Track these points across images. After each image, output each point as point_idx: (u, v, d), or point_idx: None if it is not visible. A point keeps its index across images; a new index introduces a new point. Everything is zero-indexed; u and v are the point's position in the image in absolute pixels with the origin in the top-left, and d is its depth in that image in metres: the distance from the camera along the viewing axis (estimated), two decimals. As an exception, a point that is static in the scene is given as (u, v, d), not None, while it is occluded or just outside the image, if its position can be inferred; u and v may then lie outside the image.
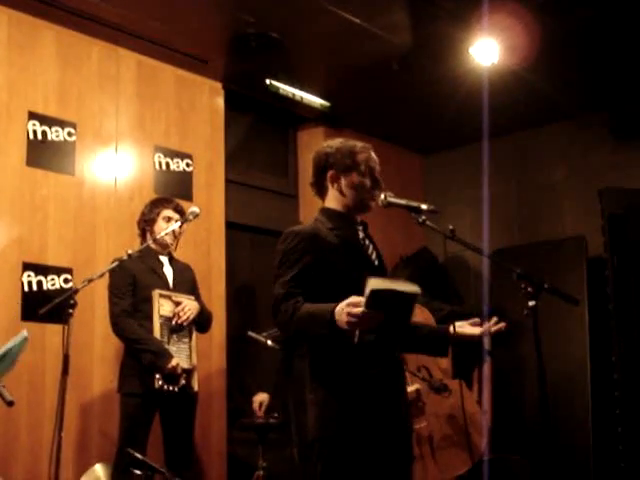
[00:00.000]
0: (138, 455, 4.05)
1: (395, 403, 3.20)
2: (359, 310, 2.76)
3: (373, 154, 3.40)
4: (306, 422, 3.14)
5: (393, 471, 3.16)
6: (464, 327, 3.44)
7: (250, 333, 5.58)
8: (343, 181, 3.32)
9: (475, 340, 3.41)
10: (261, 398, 5.79)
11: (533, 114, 7.42)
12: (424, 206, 3.35)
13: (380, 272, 3.30)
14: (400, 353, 3.50)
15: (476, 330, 3.40)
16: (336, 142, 3.42)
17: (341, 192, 3.33)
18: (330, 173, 3.34)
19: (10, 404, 2.80)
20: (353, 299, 2.81)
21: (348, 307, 2.79)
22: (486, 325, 3.39)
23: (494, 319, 3.39)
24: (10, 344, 3.30)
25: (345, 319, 2.80)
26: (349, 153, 3.34)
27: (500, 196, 7.78)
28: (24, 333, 3.37)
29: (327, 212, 3.37)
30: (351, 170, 3.31)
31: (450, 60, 6.23)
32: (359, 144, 3.40)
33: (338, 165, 3.33)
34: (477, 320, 3.43)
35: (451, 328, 3.40)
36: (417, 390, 5.78)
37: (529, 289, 3.29)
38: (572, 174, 7.59)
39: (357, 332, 2.86)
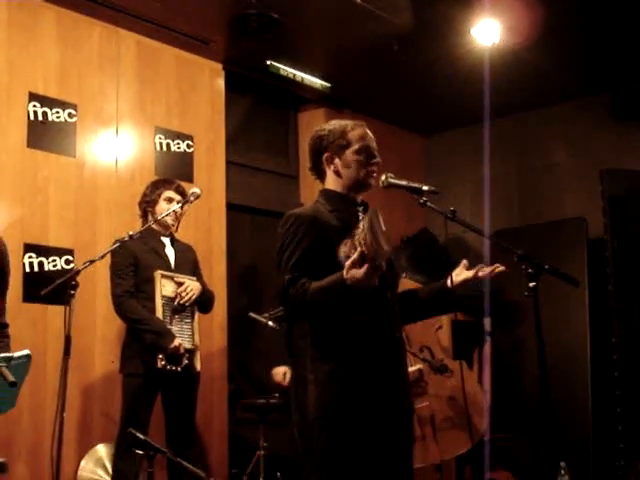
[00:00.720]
0: (140, 435, 4.06)
1: (396, 383, 3.20)
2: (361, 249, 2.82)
3: (367, 130, 3.39)
4: (306, 401, 3.15)
5: (394, 451, 3.17)
6: (460, 274, 3.44)
7: (251, 314, 5.60)
8: (338, 162, 3.32)
9: (474, 281, 3.40)
10: (283, 369, 5.74)
11: (534, 95, 7.41)
12: (425, 187, 3.35)
13: None
14: (411, 322, 3.53)
15: (470, 273, 3.40)
16: (329, 124, 3.41)
17: (338, 173, 3.33)
18: (325, 155, 3.34)
19: (12, 385, 2.81)
20: (351, 259, 2.86)
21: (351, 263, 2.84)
22: (479, 267, 3.39)
23: (492, 267, 3.39)
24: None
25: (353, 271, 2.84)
26: (341, 133, 3.34)
27: (501, 177, 7.78)
28: (26, 352, 3.34)
29: (327, 194, 3.36)
30: (344, 149, 3.31)
31: (451, 40, 6.22)
32: (351, 122, 3.39)
33: (332, 146, 3.33)
34: (465, 262, 3.44)
35: (448, 281, 3.41)
36: (420, 370, 5.79)
37: (529, 270, 3.30)
38: (573, 155, 7.59)
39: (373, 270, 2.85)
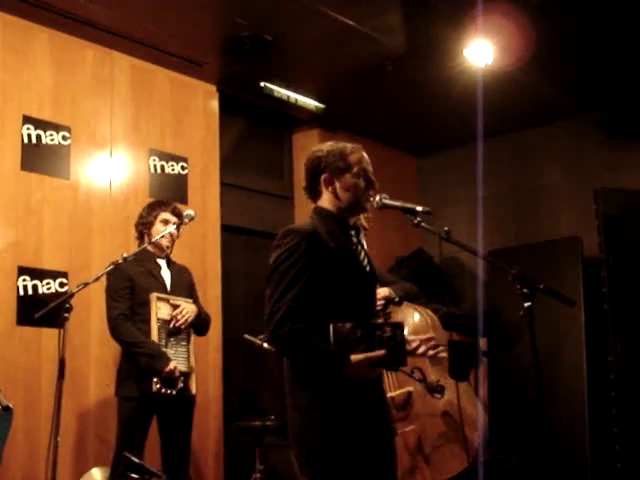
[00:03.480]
0: (135, 459, 4.04)
1: (377, 405, 3.19)
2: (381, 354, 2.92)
3: (365, 154, 3.38)
4: (291, 426, 3.13)
5: (379, 474, 3.15)
6: None
7: (246, 336, 5.58)
8: (337, 184, 3.29)
9: None
10: None
11: (528, 115, 7.43)
12: (419, 208, 3.34)
13: (370, 278, 3.30)
14: None
15: None
16: (326, 145, 3.39)
17: (336, 195, 3.30)
18: (324, 176, 3.31)
19: (6, 409, 2.79)
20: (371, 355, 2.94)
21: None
22: None
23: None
24: None
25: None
26: (340, 155, 3.31)
27: (495, 197, 7.79)
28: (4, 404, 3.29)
29: (321, 213, 3.33)
30: (344, 172, 3.29)
31: (444, 61, 6.24)
32: (349, 145, 3.37)
33: (331, 168, 3.30)
34: None
35: None
36: (409, 393, 5.77)
37: (525, 290, 3.28)
38: (567, 175, 7.61)
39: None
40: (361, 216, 3.38)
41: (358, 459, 3.05)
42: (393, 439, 3.34)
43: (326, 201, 3.33)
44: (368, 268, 3.32)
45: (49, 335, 4.98)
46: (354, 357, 2.92)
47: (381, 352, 2.91)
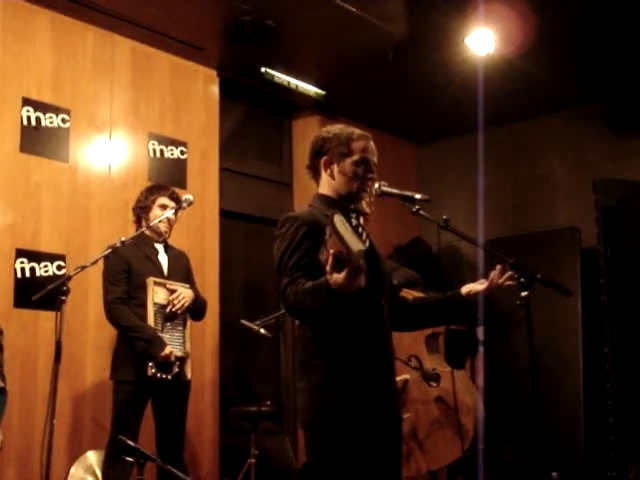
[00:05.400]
0: (130, 442, 4.05)
1: (386, 391, 3.19)
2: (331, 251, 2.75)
3: (371, 144, 3.36)
4: (301, 409, 3.15)
5: (384, 461, 3.15)
6: (473, 287, 3.43)
7: (243, 321, 5.58)
8: (335, 167, 3.30)
9: (485, 294, 3.37)
10: None
11: (528, 104, 7.42)
12: (418, 195, 3.34)
13: (373, 258, 3.29)
14: (410, 329, 3.46)
15: (482, 286, 3.38)
16: (335, 128, 3.38)
17: (333, 177, 3.31)
18: (324, 158, 3.31)
19: (0, 391, 2.79)
20: (328, 265, 2.80)
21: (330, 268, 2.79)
22: (492, 275, 3.35)
23: (498, 269, 3.35)
24: None
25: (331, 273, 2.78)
26: (345, 140, 3.31)
27: (494, 186, 7.78)
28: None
29: (321, 198, 3.34)
30: (344, 157, 3.29)
31: (446, 50, 6.23)
32: (357, 132, 3.35)
33: (333, 151, 3.30)
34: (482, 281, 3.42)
35: (464, 289, 3.42)
36: (406, 380, 5.78)
37: (522, 279, 3.29)
38: (567, 165, 7.60)
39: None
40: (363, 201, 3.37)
41: (361, 445, 3.06)
42: (400, 425, 3.35)
43: (324, 184, 3.34)
44: (370, 249, 3.32)
45: (46, 318, 4.98)
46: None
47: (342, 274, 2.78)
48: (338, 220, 2.76)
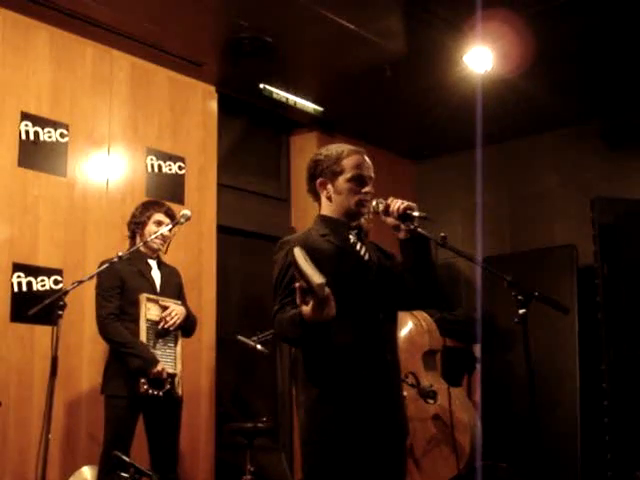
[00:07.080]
0: (125, 458, 4.04)
1: (387, 407, 3.17)
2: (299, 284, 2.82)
3: (365, 158, 3.36)
4: (300, 424, 3.16)
5: (385, 475, 3.14)
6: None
7: (239, 337, 5.57)
8: (331, 188, 3.31)
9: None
10: None
11: (526, 122, 7.44)
12: (416, 213, 3.34)
13: (371, 273, 3.28)
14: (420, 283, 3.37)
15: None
16: (326, 149, 3.37)
17: (330, 199, 3.32)
18: (319, 180, 3.33)
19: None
20: (297, 297, 2.87)
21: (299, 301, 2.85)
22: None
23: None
24: None
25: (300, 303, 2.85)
26: (336, 159, 3.31)
27: (492, 204, 7.79)
28: None
29: (321, 219, 3.36)
30: (337, 175, 3.30)
31: (443, 67, 6.25)
32: (348, 149, 3.35)
33: (325, 172, 3.31)
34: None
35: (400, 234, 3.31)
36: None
37: (519, 297, 3.28)
38: (564, 183, 7.61)
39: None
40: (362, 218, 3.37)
41: (356, 461, 3.05)
42: (404, 440, 3.33)
43: (324, 206, 3.37)
44: (370, 263, 3.31)
45: (42, 332, 4.97)
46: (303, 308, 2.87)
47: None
48: (298, 254, 2.83)
